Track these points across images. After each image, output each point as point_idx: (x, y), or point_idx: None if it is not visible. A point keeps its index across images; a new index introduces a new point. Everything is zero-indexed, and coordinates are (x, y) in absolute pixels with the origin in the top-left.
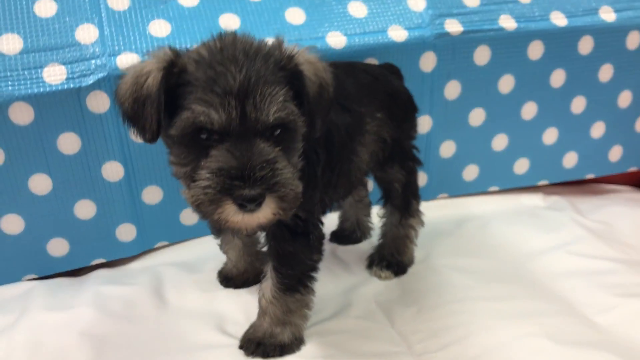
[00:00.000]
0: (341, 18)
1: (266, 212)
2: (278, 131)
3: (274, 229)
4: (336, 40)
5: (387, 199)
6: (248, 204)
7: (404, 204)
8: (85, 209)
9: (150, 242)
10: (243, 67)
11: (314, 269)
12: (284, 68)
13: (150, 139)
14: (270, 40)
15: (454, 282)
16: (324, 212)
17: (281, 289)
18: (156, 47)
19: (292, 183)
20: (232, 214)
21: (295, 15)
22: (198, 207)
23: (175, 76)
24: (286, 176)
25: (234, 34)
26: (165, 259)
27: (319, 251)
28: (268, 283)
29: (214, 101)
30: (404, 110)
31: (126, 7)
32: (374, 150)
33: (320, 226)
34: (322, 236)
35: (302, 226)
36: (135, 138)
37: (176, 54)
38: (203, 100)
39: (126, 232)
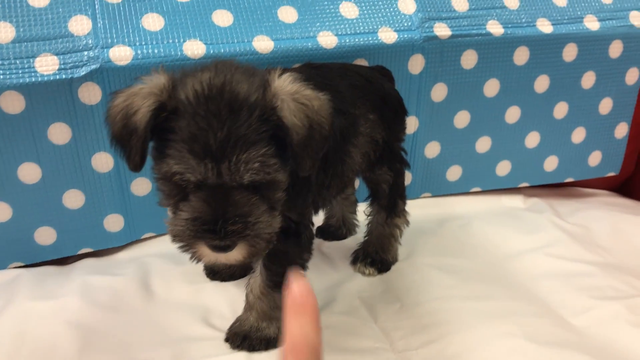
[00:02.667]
0: (333, 18)
1: (237, 255)
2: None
3: None
4: (327, 40)
5: (374, 199)
6: (219, 251)
7: (390, 204)
8: (73, 199)
9: (137, 232)
10: (225, 126)
11: (304, 267)
12: (268, 120)
13: (133, 169)
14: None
15: (436, 280)
16: (315, 213)
17: (270, 285)
18: (152, 72)
19: (264, 232)
20: (205, 253)
21: (287, 14)
22: (175, 242)
23: (163, 118)
24: (259, 226)
25: (223, 77)
26: (152, 250)
27: (309, 250)
28: (257, 279)
29: (190, 163)
30: (394, 112)
31: (120, 0)
32: (366, 152)
33: (311, 227)
34: (312, 236)
35: (294, 228)
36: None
37: (169, 95)
38: (180, 157)
39: (114, 223)
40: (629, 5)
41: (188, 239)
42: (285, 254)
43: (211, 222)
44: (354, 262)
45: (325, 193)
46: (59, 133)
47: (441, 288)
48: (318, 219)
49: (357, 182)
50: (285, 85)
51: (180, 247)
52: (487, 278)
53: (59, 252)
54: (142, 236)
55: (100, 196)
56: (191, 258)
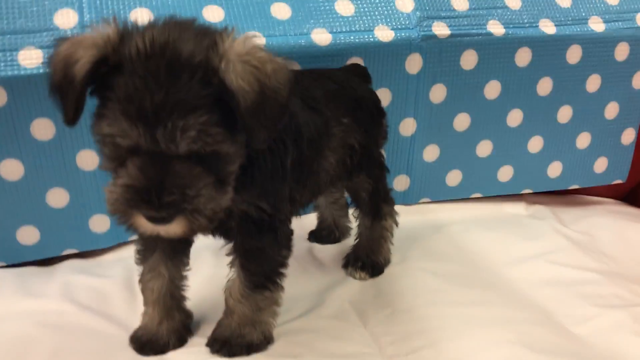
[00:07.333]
0: (327, 15)
1: (176, 228)
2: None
3: (239, 225)
4: (321, 37)
5: (356, 205)
6: (156, 223)
7: (373, 210)
8: (58, 197)
9: (124, 234)
10: (163, 88)
11: (283, 264)
12: (211, 83)
13: (67, 122)
14: None
15: (429, 285)
16: (293, 213)
17: (249, 286)
18: (103, 21)
19: (206, 207)
20: (142, 224)
21: (280, 10)
22: (112, 214)
23: (105, 72)
24: (199, 201)
25: (168, 35)
26: None
27: (287, 247)
28: (235, 281)
29: (122, 125)
30: (370, 116)
31: None
32: (341, 157)
33: (289, 223)
34: (290, 232)
35: (268, 221)
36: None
37: (113, 48)
38: (113, 119)
39: (100, 223)
40: (635, 6)
41: (123, 208)
42: (261, 252)
43: (146, 192)
44: (345, 265)
45: (301, 191)
46: (43, 129)
47: (435, 293)
48: (311, 224)
49: None
50: (235, 46)
51: (117, 219)
52: (484, 284)
53: (42, 252)
54: (130, 238)
55: (86, 195)
56: (127, 229)
